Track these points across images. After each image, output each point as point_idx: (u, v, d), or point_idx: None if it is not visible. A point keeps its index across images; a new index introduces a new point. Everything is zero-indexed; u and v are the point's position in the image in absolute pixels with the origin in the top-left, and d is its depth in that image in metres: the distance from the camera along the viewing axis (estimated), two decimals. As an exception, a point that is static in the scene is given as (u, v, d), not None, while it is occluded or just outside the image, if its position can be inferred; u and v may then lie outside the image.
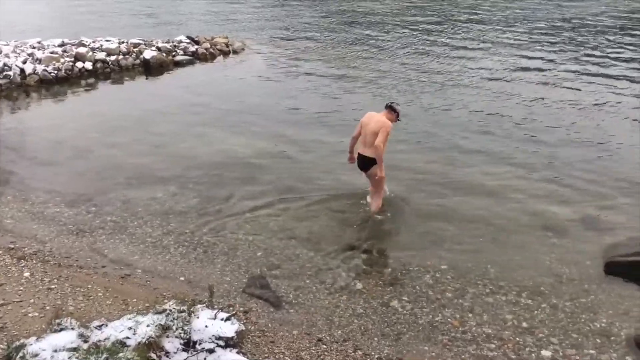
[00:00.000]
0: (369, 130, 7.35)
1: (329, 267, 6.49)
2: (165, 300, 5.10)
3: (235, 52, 18.64)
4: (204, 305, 5.00)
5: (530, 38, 19.91)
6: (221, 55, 18.27)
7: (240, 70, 16.68)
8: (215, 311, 4.86)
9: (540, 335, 5.38)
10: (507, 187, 8.47)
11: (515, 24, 22.70)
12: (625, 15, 24.23)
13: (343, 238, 7.15)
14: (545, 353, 5.14)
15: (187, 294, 5.68)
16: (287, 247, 6.94)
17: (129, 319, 4.57)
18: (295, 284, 6.17)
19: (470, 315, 5.67)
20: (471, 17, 24.81)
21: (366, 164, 7.51)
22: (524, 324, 5.53)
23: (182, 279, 6.27)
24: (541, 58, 16.88)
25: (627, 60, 16.31)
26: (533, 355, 5.11)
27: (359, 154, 7.57)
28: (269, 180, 8.76)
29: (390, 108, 7.52)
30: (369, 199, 7.92)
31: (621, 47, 18.07)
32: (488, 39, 19.73)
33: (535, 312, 5.71)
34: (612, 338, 5.32)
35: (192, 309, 4.72)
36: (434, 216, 7.70)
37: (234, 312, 5.26)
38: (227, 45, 18.76)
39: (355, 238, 7.16)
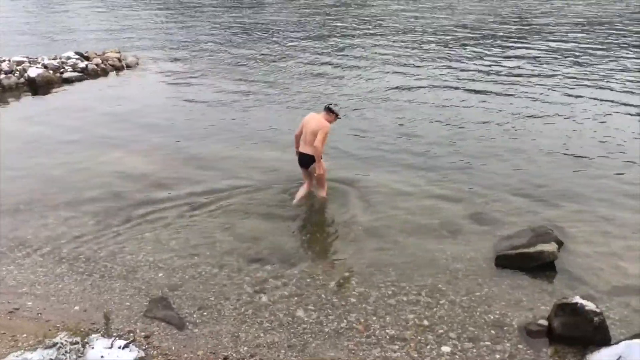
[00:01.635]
0: (309, 129, 7.81)
1: (233, 282, 6.41)
2: (58, 333, 4.83)
3: (128, 66, 18.08)
4: (100, 334, 4.78)
5: (430, 46, 20.74)
6: (114, 71, 17.66)
7: (134, 85, 16.20)
8: (112, 339, 4.66)
9: (440, 331, 5.58)
10: (403, 190, 8.76)
11: (419, 31, 23.62)
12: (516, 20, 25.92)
13: (246, 251, 7.08)
14: (445, 348, 5.33)
15: (82, 324, 5.40)
16: (189, 265, 6.78)
17: (16, 356, 4.29)
18: (199, 303, 6.04)
19: (374, 318, 5.79)
20: (376, 26, 25.56)
21: (306, 161, 7.96)
22: (425, 322, 5.72)
23: (77, 308, 5.94)
24: (436, 64, 17.66)
25: (522, 62, 17.39)
26: (434, 352, 5.29)
27: (300, 152, 8.00)
28: (167, 198, 8.53)
29: (328, 109, 7.97)
30: (299, 193, 8.28)
31: (512, 52, 19.27)
32: (392, 49, 20.34)
33: (435, 309, 5.92)
34: (505, 328, 5.61)
35: (86, 340, 4.51)
36: (335, 223, 7.84)
37: (132, 339, 5.05)
38: (119, 60, 18.14)
39: (258, 250, 7.11)
